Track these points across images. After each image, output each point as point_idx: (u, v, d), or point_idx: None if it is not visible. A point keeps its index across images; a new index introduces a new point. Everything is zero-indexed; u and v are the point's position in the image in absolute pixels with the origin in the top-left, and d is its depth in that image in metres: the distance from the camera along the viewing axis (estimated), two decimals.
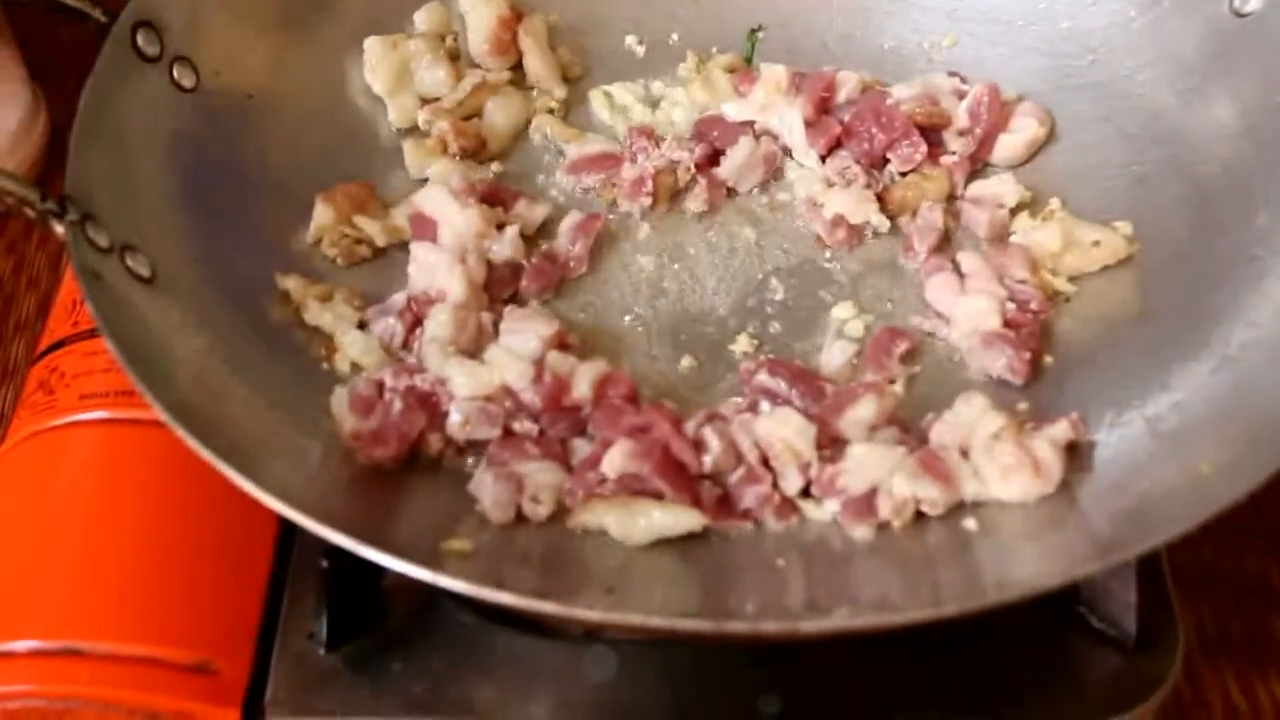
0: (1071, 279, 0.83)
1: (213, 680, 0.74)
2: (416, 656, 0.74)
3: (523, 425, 0.75)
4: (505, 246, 0.84)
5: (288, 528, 0.78)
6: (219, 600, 0.76)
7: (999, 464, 0.71)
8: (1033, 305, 0.81)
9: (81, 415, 0.80)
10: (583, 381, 0.76)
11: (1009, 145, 0.90)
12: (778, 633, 0.62)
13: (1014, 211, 0.86)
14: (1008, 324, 0.80)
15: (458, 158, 0.90)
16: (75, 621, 0.73)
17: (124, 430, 0.80)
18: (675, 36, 0.98)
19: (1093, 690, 0.72)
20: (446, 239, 0.83)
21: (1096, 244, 0.83)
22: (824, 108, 0.90)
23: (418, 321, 0.80)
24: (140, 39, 0.82)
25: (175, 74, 0.84)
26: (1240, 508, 0.87)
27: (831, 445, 0.74)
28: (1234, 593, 0.86)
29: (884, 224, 0.87)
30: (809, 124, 0.89)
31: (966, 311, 0.81)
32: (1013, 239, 0.86)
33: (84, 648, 0.72)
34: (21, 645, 0.73)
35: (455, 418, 0.75)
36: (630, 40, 0.98)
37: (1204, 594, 0.85)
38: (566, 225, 0.87)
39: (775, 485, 0.73)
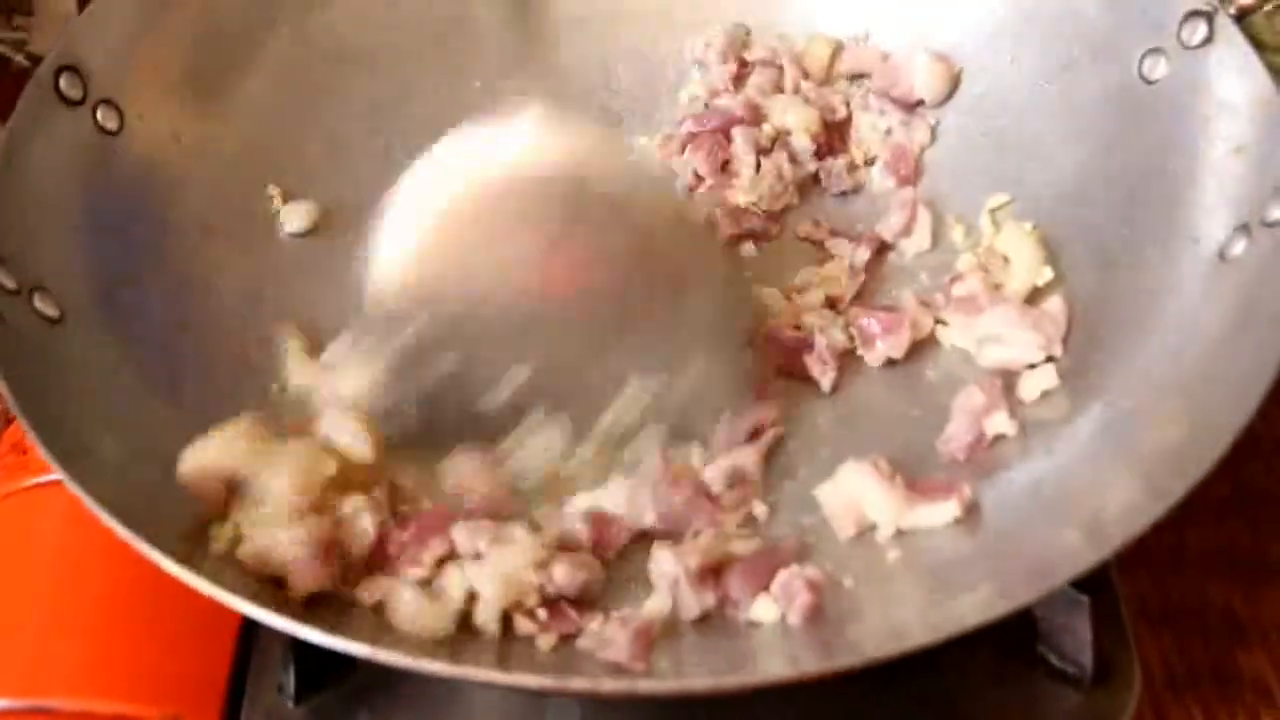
0: None
1: None
2: (384, 708, 0.73)
3: None
4: None
5: None
6: (188, 655, 0.77)
7: None
8: None
9: (53, 475, 0.79)
10: None
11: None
12: (615, 691, 0.63)
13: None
14: None
15: None
16: (45, 679, 0.74)
17: None
18: None
19: None
20: None
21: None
22: None
23: None
24: (63, 83, 0.82)
25: (99, 117, 0.84)
26: (1205, 540, 0.89)
27: None
28: (1199, 626, 0.86)
29: None
30: None
31: None
32: None
33: (54, 705, 0.73)
34: None
35: None
36: None
37: (1169, 628, 0.85)
38: None
39: None
